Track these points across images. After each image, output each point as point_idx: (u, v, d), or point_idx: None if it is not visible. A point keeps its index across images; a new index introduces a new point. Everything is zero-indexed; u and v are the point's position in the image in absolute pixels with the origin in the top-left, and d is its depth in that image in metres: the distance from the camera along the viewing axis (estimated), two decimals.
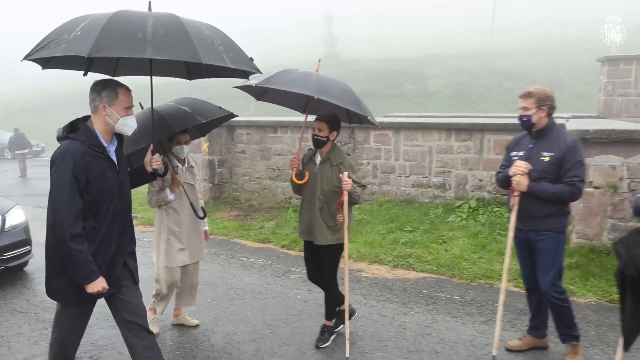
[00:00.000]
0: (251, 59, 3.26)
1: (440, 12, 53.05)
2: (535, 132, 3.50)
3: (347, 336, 3.78)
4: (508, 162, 3.60)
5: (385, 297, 5.03)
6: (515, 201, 3.44)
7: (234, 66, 3.03)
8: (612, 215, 5.35)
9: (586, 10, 43.89)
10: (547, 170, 3.38)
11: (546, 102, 3.42)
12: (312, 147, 3.96)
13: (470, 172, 7.95)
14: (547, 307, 3.67)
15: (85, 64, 3.27)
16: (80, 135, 2.82)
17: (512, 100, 30.79)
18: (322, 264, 4.00)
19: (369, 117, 3.77)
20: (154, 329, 4.07)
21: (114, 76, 3.04)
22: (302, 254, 6.73)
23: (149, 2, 3.22)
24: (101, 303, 3.07)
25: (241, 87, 3.86)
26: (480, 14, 45.37)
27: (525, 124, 3.46)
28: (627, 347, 2.98)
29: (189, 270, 4.35)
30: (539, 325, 3.78)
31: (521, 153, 3.51)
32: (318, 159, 3.92)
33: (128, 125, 2.94)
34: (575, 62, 32.33)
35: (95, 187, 2.81)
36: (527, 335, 3.82)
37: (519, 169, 3.38)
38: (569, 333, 3.56)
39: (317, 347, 3.98)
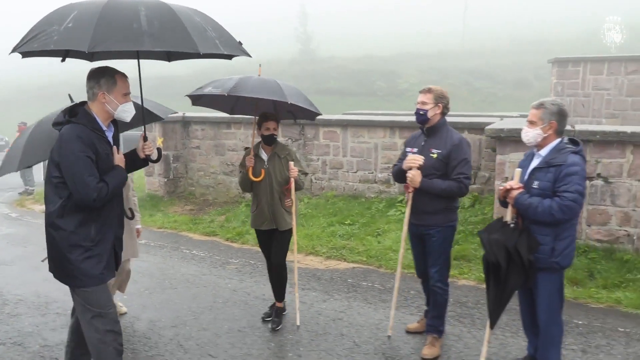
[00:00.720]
0: (240, 43, 3.30)
1: (414, 13, 53.61)
2: (427, 129, 3.71)
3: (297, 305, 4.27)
4: (404, 157, 3.79)
5: (311, 286, 5.28)
6: (409, 197, 3.68)
7: (227, 52, 3.06)
8: None
9: (558, 10, 44.90)
10: (435, 166, 3.59)
11: (442, 101, 3.65)
12: (265, 144, 4.22)
13: None
14: None
15: (64, 52, 3.15)
16: (82, 119, 2.86)
17: (481, 99, 31.46)
18: (277, 248, 4.28)
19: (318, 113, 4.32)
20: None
21: (91, 61, 3.02)
22: (244, 246, 7.01)
23: None
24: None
25: (194, 96, 4.23)
26: (452, 15, 46.02)
27: (421, 117, 3.65)
28: (492, 325, 3.29)
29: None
30: None
31: (415, 150, 3.73)
32: (264, 155, 4.23)
33: (127, 112, 2.99)
34: (541, 62, 33.14)
35: (101, 169, 2.86)
36: (424, 319, 4.10)
37: (415, 161, 3.57)
38: (437, 326, 3.82)
39: (274, 329, 4.23)
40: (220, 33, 3.13)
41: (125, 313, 4.66)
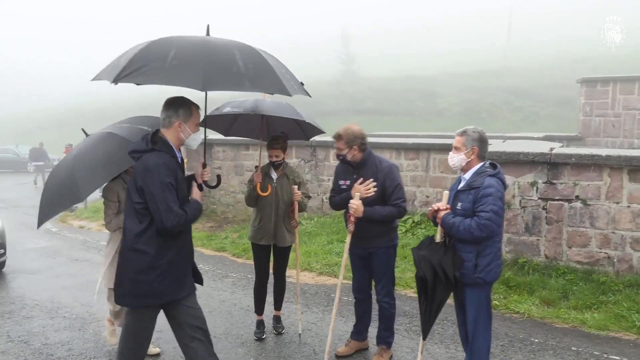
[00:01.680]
0: (302, 84, 3.51)
1: (458, 30, 53.27)
2: (354, 164, 3.93)
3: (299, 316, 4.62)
4: (338, 189, 4.05)
5: (295, 299, 5.62)
6: (352, 226, 3.87)
7: (300, 93, 3.32)
8: (508, 230, 5.83)
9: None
10: (373, 197, 3.79)
11: (355, 142, 3.85)
12: (271, 166, 4.55)
13: (418, 189, 8.48)
14: (371, 314, 4.21)
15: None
16: (163, 147, 3.03)
17: (522, 118, 30.87)
18: (279, 262, 4.65)
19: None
20: (112, 339, 4.41)
21: (139, 84, 3.03)
22: (248, 261, 7.44)
23: (207, 26, 3.38)
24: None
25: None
26: (496, 33, 45.51)
27: (343, 160, 3.93)
28: (424, 337, 3.52)
29: None
30: (362, 330, 4.28)
31: (348, 182, 3.96)
32: (274, 174, 4.55)
33: (196, 140, 3.19)
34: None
35: (180, 194, 3.02)
36: (352, 341, 4.30)
37: (368, 192, 3.74)
38: (385, 338, 4.05)
39: (279, 332, 4.68)
40: (290, 74, 3.39)
41: (159, 354, 4.47)
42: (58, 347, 4.53)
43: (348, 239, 3.96)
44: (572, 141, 13.56)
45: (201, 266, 7.21)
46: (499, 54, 41.33)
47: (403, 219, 8.27)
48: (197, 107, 3.16)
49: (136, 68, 2.90)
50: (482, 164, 3.44)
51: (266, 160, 4.63)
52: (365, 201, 3.80)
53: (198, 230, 9.75)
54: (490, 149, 5.96)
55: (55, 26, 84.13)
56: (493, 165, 3.44)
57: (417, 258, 3.45)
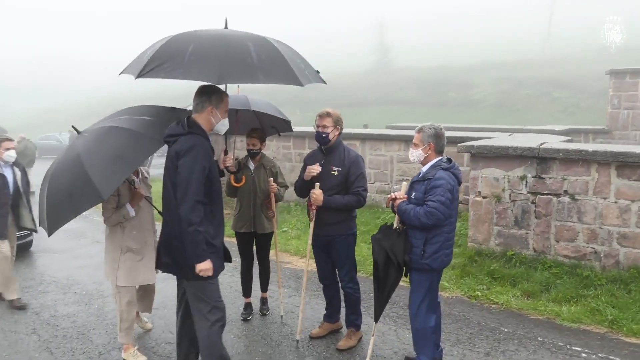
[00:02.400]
0: (317, 72, 3.57)
1: (497, 19, 51.88)
2: (325, 149, 4.11)
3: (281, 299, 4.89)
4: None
5: (287, 284, 5.91)
6: (313, 214, 4.09)
7: (314, 82, 3.40)
8: (498, 223, 5.92)
9: None
10: (336, 182, 4.00)
11: (340, 123, 4.07)
12: (250, 157, 4.77)
13: None
14: (339, 298, 4.41)
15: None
16: (198, 130, 3.21)
17: (560, 110, 29.95)
18: (261, 248, 4.92)
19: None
20: None
21: (163, 78, 3.18)
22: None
23: (225, 19, 3.57)
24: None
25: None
26: (536, 21, 44.10)
27: (324, 140, 4.05)
28: (376, 319, 3.75)
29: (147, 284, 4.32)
30: (333, 313, 4.50)
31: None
32: (251, 165, 4.78)
33: (225, 125, 3.37)
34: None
35: (213, 175, 3.20)
36: (324, 323, 4.53)
37: (313, 170, 3.97)
38: (354, 320, 4.26)
39: (264, 314, 4.93)
40: (305, 64, 3.47)
41: (150, 329, 4.72)
42: (64, 319, 4.99)
43: (311, 227, 4.17)
44: (598, 134, 13.24)
45: None
46: (538, 43, 40.12)
47: None
48: (227, 95, 3.37)
49: (158, 64, 3.10)
50: (439, 158, 3.61)
51: (243, 153, 4.86)
52: (327, 187, 3.99)
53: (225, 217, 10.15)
54: (480, 143, 6.06)
55: (90, 20, 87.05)
56: (449, 160, 3.61)
57: (373, 242, 3.66)
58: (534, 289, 5.19)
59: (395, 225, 3.65)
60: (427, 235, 3.51)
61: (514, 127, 12.56)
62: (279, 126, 5.00)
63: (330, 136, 4.06)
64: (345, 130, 7.66)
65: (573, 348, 4.13)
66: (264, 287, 5.13)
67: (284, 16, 67.63)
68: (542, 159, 5.57)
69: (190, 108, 3.50)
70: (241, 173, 4.70)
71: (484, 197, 5.99)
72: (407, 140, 8.72)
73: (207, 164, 3.14)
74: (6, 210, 5.32)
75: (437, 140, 3.59)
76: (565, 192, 5.49)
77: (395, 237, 3.57)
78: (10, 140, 5.49)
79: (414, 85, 35.51)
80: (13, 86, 62.80)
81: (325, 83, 3.66)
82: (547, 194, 5.59)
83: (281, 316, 4.95)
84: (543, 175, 5.59)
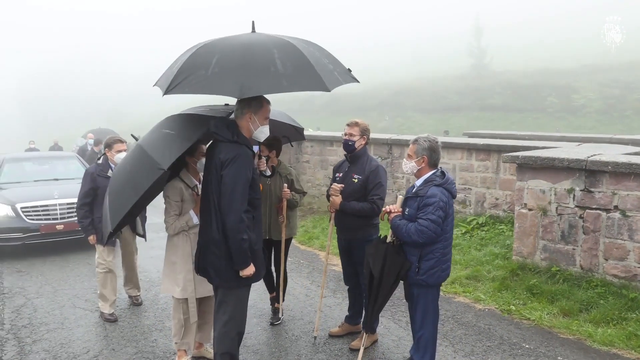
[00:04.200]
0: (349, 70, 3.47)
1: (602, 19, 47.67)
2: (350, 157, 4.33)
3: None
4: (333, 179, 4.47)
5: (328, 286, 6.15)
6: (332, 216, 4.36)
7: (344, 82, 3.31)
8: (543, 237, 5.69)
9: None
10: (356, 189, 4.20)
11: (366, 133, 4.30)
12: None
13: (488, 191, 8.40)
14: (362, 302, 4.53)
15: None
16: (243, 140, 3.26)
17: None
18: (277, 255, 4.93)
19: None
20: None
21: (188, 93, 3.13)
22: (308, 248, 8.11)
23: (252, 22, 3.43)
24: None
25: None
26: None
27: (350, 147, 4.28)
28: (367, 329, 3.99)
29: (208, 299, 4.12)
30: (354, 315, 4.64)
31: (341, 174, 4.39)
32: (267, 172, 4.94)
33: (264, 133, 3.37)
34: None
35: (255, 182, 3.26)
36: (344, 324, 4.69)
37: (334, 190, 4.24)
38: (370, 324, 4.32)
39: (272, 324, 4.95)
40: (335, 63, 3.36)
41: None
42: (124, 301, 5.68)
43: (330, 229, 4.46)
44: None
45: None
46: None
47: (466, 219, 8.29)
48: (267, 101, 3.34)
49: (183, 79, 3.08)
50: (432, 172, 3.65)
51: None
52: (347, 193, 4.21)
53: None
54: (525, 154, 5.88)
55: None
56: (443, 174, 3.63)
57: (367, 255, 3.78)
58: (573, 307, 4.96)
59: (388, 239, 3.72)
60: (421, 252, 3.55)
61: (603, 136, 11.66)
62: (291, 135, 5.14)
63: (357, 144, 4.29)
64: (405, 137, 7.65)
65: None
66: (280, 297, 5.04)
67: (380, 18, 67.65)
68: (590, 172, 5.28)
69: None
70: (261, 180, 4.65)
71: (529, 210, 5.79)
72: (469, 149, 8.58)
73: (250, 174, 3.19)
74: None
75: (431, 154, 3.63)
76: (616, 207, 5.16)
77: (390, 252, 3.62)
78: (122, 142, 5.46)
79: (510, 90, 33.88)
80: (134, 92, 68.99)
81: (358, 81, 3.53)
82: (595, 209, 5.29)
83: (276, 320, 5.01)
84: (592, 189, 5.30)
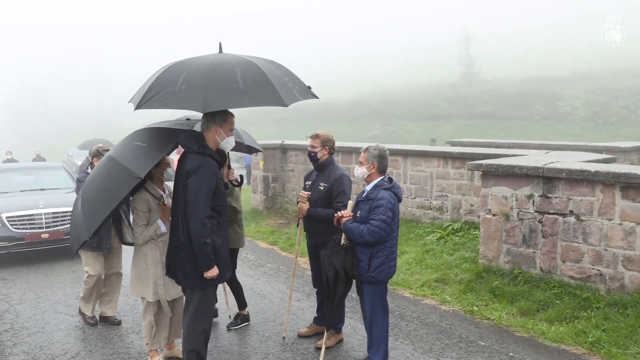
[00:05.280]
0: (309, 87, 3.72)
1: (589, 27, 48.47)
2: (317, 166, 4.62)
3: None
4: (304, 187, 4.77)
5: (309, 290, 6.38)
6: (300, 222, 4.67)
7: (302, 98, 3.57)
8: (507, 241, 5.96)
9: None
10: (322, 196, 4.48)
11: (328, 144, 4.57)
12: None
13: (463, 197, 8.67)
14: None
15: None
16: (209, 151, 3.49)
17: None
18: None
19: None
20: None
21: (158, 108, 3.37)
22: (290, 255, 8.34)
23: (219, 44, 3.73)
24: None
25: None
26: (636, 26, 40.62)
27: (314, 158, 4.58)
28: (327, 328, 4.21)
29: (179, 300, 4.29)
30: (322, 316, 4.84)
31: (309, 182, 4.68)
32: (236, 182, 5.17)
33: (229, 143, 3.65)
34: None
35: (220, 191, 3.49)
36: (312, 324, 4.94)
37: (301, 197, 4.53)
38: (335, 324, 4.62)
39: (229, 329, 5.04)
40: (294, 81, 3.64)
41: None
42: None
43: (298, 234, 4.75)
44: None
45: (248, 256, 8.28)
46: (636, 51, 37.04)
47: (443, 225, 8.55)
48: (232, 115, 3.61)
49: (153, 94, 3.35)
50: (381, 177, 3.96)
51: None
52: (314, 200, 4.49)
53: (270, 225, 10.90)
54: (488, 162, 6.17)
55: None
56: (390, 180, 3.94)
57: (323, 257, 4.06)
58: (531, 307, 5.22)
59: (342, 242, 4.01)
60: (371, 251, 3.85)
61: (579, 144, 11.99)
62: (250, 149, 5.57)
63: (319, 155, 4.57)
64: (388, 146, 8.02)
65: None
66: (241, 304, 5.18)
67: (371, 28, 68.39)
68: (547, 179, 5.57)
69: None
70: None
71: (493, 215, 6.07)
72: (445, 157, 8.86)
73: (214, 182, 3.43)
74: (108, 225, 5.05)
75: (380, 160, 3.95)
76: (571, 212, 5.44)
77: (344, 254, 3.92)
78: None
79: (499, 98, 34.41)
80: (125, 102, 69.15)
81: (317, 97, 3.78)
82: (553, 214, 5.57)
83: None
84: (549, 195, 5.59)
